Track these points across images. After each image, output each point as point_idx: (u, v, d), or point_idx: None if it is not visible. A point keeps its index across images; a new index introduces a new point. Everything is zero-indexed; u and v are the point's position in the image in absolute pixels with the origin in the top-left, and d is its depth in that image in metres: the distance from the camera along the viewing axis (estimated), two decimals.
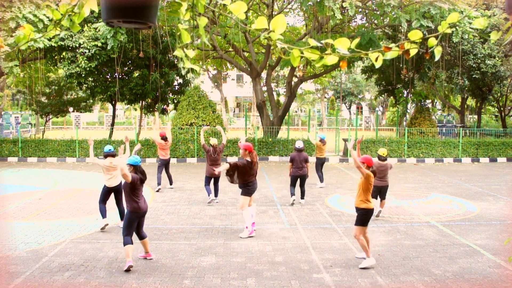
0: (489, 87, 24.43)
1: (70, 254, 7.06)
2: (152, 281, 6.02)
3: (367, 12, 20.64)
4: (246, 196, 8.06)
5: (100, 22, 17.91)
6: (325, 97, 50.04)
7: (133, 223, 6.51)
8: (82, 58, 18.14)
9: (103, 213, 8.38)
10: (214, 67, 34.43)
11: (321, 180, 13.16)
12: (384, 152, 9.15)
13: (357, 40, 2.08)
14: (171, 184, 12.74)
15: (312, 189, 12.64)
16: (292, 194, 10.64)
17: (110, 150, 8.38)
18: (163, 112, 22.81)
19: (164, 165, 12.40)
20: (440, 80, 22.88)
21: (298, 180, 10.67)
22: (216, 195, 10.92)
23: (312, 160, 15.23)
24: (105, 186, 8.38)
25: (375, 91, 32.36)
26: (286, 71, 34.39)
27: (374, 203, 6.74)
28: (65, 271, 6.32)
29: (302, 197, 10.86)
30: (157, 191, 12.19)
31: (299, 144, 10.76)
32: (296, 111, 53.46)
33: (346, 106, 51.98)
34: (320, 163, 13.12)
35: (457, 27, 16.34)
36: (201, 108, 19.71)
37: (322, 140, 13.12)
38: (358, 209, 6.67)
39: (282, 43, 2.09)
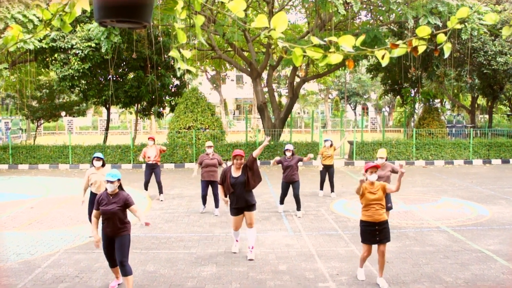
0: (500, 85, 23.81)
1: (64, 265, 6.89)
2: None
3: (372, 8, 20.37)
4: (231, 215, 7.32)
5: (93, 23, 17.33)
6: (329, 98, 49.32)
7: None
8: (75, 60, 17.59)
9: None
10: (213, 67, 33.95)
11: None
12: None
13: (362, 38, 2.06)
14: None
15: (317, 195, 12.18)
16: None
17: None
18: (159, 115, 22.22)
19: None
20: (449, 79, 22.35)
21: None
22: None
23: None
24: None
25: (381, 90, 31.75)
26: (287, 71, 33.94)
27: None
28: (59, 283, 6.17)
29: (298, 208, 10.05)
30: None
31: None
32: (298, 113, 52.68)
33: (351, 107, 51.18)
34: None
35: (466, 24, 16.03)
36: (199, 111, 19.24)
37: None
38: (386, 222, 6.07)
39: (284, 42, 2.09)
